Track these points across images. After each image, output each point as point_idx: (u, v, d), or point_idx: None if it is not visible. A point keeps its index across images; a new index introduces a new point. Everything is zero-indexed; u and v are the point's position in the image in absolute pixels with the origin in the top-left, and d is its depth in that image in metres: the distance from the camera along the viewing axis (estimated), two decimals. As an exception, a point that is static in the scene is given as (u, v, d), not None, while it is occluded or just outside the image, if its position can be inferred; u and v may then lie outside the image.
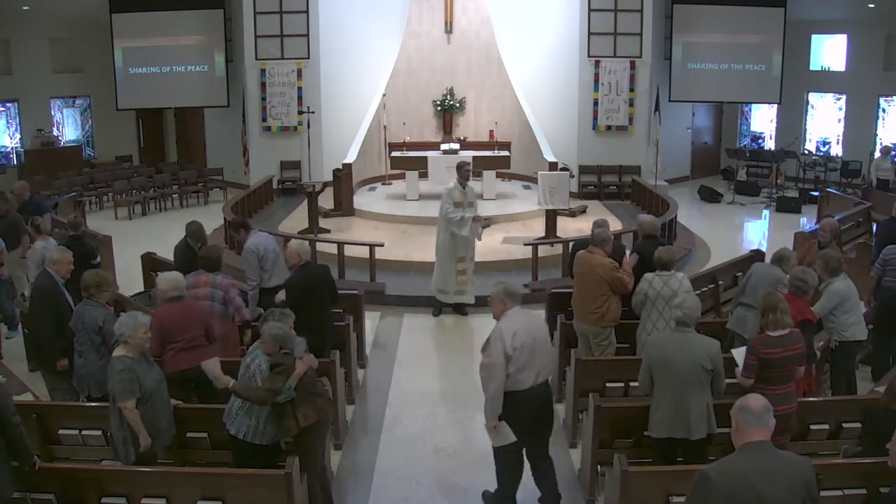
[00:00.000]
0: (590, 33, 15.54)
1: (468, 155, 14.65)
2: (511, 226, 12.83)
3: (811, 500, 3.37)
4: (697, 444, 4.95)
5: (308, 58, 15.91)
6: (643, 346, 6.51)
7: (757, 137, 19.10)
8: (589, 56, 15.66)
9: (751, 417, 3.33)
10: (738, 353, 5.31)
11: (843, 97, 17.37)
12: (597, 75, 15.74)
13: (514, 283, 5.51)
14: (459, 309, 9.56)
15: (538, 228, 12.11)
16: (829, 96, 17.70)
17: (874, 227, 12.28)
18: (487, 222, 9.45)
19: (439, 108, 17.02)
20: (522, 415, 5.05)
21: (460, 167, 9.37)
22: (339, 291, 7.89)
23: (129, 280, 9.95)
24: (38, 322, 6.07)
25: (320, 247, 10.82)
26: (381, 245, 10.49)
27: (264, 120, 16.20)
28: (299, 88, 16.05)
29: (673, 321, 6.12)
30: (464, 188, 9.20)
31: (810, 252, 7.80)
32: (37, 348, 6.15)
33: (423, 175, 14.39)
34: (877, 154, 15.40)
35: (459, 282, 9.40)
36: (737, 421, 3.37)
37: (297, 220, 13.48)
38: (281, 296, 6.88)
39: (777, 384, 4.98)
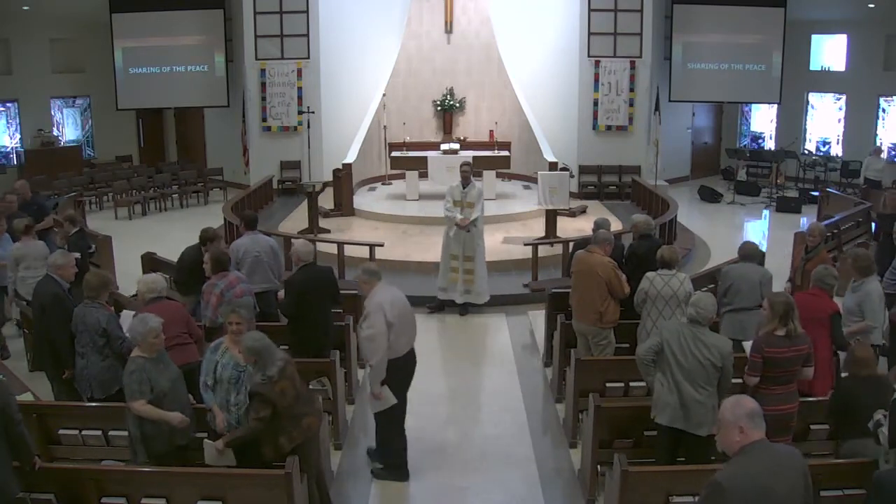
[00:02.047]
0: (590, 33, 15.54)
1: (468, 155, 14.68)
2: (511, 226, 12.83)
3: (808, 488, 3.42)
4: (700, 442, 4.94)
5: (308, 58, 15.91)
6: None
7: (757, 137, 19.09)
8: (589, 56, 15.66)
9: (759, 420, 3.33)
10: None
11: (843, 97, 17.36)
12: (597, 75, 15.74)
13: (373, 265, 6.04)
14: (462, 309, 9.56)
15: (538, 228, 12.11)
16: (829, 96, 17.69)
17: (874, 227, 12.26)
18: (465, 224, 9.11)
19: (439, 108, 17.02)
20: (402, 378, 5.69)
21: (460, 166, 9.52)
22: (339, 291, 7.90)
23: (129, 280, 9.88)
24: (55, 330, 5.96)
25: (320, 247, 10.79)
26: (381, 245, 10.49)
27: (264, 120, 16.20)
28: (299, 88, 16.05)
29: (676, 319, 6.18)
30: (464, 187, 9.21)
31: (798, 257, 7.76)
32: (52, 356, 6.08)
33: (423, 175, 14.39)
34: (868, 156, 15.28)
35: (450, 279, 9.43)
36: (744, 425, 3.32)
37: (297, 220, 13.49)
38: (281, 294, 6.90)
39: (780, 384, 4.98)
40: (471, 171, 9.40)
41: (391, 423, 5.79)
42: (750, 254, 6.64)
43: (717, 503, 3.29)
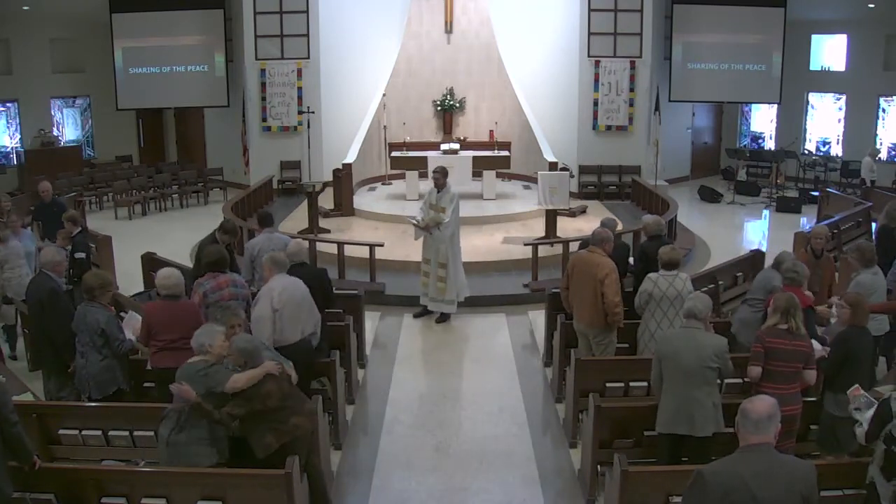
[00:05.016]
0: (590, 33, 15.55)
1: (468, 155, 14.71)
2: (511, 226, 12.84)
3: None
4: (702, 443, 4.94)
5: (308, 58, 15.92)
6: (645, 346, 6.52)
7: (757, 137, 19.09)
8: (589, 56, 15.66)
9: (750, 425, 3.33)
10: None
11: (843, 97, 17.37)
12: (597, 75, 15.74)
13: (281, 255, 6.22)
14: (441, 317, 9.34)
15: (538, 228, 12.11)
16: (829, 96, 17.69)
17: (874, 227, 12.26)
18: (425, 226, 9.01)
19: (439, 108, 17.02)
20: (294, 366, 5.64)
21: (431, 172, 9.45)
22: (339, 291, 7.88)
23: (129, 280, 9.94)
24: (54, 325, 5.97)
25: (320, 247, 10.82)
26: (381, 245, 10.48)
27: (264, 120, 16.20)
28: (299, 88, 16.05)
29: (680, 319, 6.19)
30: (438, 191, 9.05)
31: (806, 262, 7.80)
32: (52, 352, 6.07)
33: (423, 175, 14.35)
34: (866, 158, 15.19)
35: (421, 282, 9.30)
36: (740, 425, 3.37)
37: (297, 220, 13.48)
38: None
39: (782, 382, 4.97)
40: (442, 176, 9.04)
41: None
42: (778, 264, 6.61)
43: (699, 496, 3.33)
